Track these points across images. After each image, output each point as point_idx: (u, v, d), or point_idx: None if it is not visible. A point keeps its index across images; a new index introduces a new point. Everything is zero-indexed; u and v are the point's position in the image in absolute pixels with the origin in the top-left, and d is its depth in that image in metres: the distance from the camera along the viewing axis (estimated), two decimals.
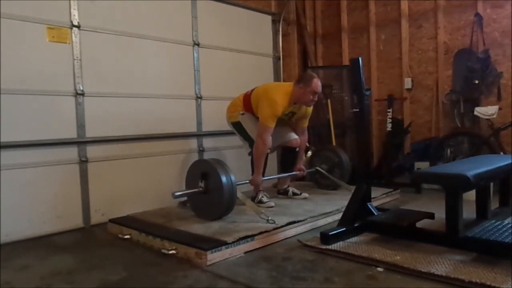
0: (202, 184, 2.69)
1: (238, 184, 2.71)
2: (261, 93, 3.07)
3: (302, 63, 4.90)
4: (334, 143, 4.21)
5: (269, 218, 2.53)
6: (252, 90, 3.19)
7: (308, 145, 4.44)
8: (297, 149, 3.35)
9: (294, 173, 3.37)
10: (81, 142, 2.95)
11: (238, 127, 3.23)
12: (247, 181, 3.05)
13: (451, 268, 1.84)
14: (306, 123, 3.35)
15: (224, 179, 2.57)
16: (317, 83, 3.00)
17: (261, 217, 2.56)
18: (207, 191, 2.69)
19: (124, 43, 3.19)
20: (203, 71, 3.72)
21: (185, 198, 3.21)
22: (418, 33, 4.18)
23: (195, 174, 2.77)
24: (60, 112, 2.86)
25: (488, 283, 1.65)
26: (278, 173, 3.68)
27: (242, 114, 3.18)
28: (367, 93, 2.53)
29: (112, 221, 2.82)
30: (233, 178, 2.62)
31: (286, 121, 3.25)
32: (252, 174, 3.09)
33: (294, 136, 3.29)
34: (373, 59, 4.47)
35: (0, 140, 2.58)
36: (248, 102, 3.15)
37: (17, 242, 2.60)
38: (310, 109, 3.26)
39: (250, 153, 3.16)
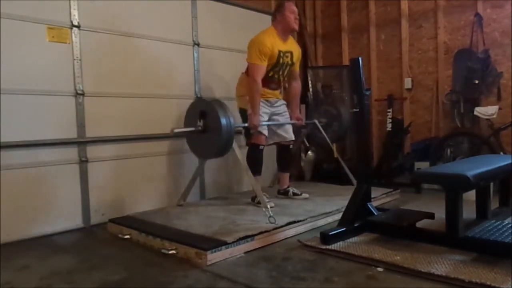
0: (200, 123, 2.70)
1: (236, 127, 2.74)
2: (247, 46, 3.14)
3: (302, 63, 4.87)
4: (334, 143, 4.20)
5: (271, 215, 2.54)
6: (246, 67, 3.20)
7: (308, 145, 4.45)
8: (291, 147, 3.42)
9: (293, 121, 3.42)
10: (81, 142, 2.95)
11: (243, 115, 3.17)
12: (246, 124, 3.07)
13: (451, 268, 1.84)
14: (297, 68, 3.42)
15: (223, 119, 2.57)
16: (290, 4, 3.13)
17: (266, 212, 2.58)
18: (205, 130, 2.69)
19: (124, 43, 3.18)
20: (203, 71, 3.72)
21: (183, 202, 3.23)
22: (418, 33, 4.17)
23: (194, 113, 2.76)
24: (60, 112, 2.86)
25: (488, 283, 1.66)
26: (275, 172, 3.72)
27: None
28: (367, 93, 2.52)
29: (112, 221, 2.82)
30: (231, 119, 2.63)
31: (286, 69, 3.25)
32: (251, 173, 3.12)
33: (291, 136, 3.37)
34: (373, 59, 4.47)
35: (0, 140, 2.58)
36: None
37: (17, 242, 2.60)
38: (300, 52, 3.40)
39: (247, 144, 3.23)
